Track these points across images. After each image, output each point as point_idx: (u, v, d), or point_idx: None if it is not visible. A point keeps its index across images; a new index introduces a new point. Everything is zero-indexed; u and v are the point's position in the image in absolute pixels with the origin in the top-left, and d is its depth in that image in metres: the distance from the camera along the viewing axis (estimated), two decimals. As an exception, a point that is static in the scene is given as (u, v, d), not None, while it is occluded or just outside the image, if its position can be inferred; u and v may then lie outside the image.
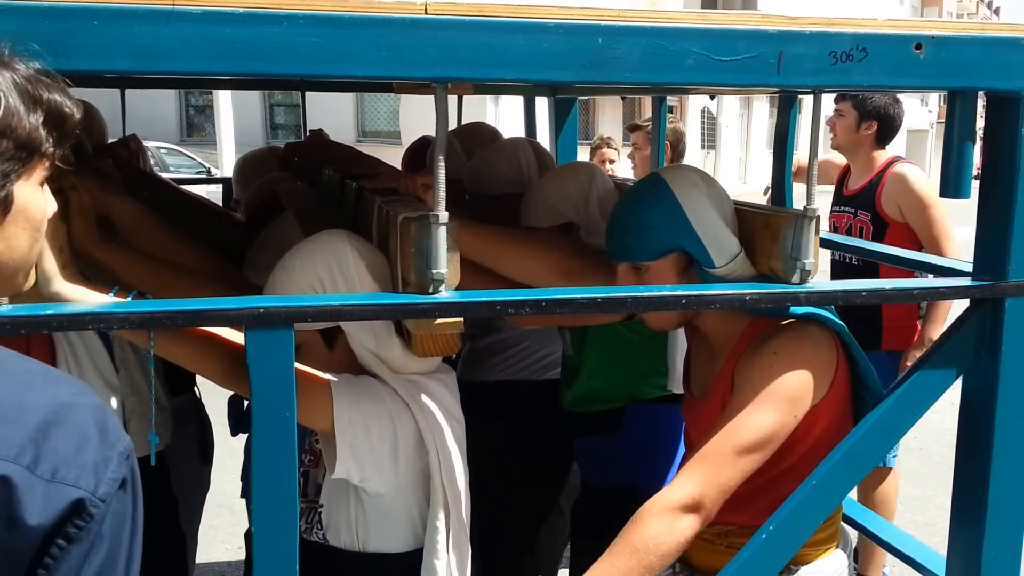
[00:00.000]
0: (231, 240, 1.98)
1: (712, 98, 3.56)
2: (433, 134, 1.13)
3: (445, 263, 1.13)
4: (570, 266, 1.59)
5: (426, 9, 1.03)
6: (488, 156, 2.14)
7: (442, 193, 1.12)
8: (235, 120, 11.69)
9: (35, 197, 0.82)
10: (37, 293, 1.13)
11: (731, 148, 23.91)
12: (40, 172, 0.82)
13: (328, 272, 1.35)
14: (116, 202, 1.56)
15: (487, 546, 2.11)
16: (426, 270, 1.13)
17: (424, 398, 1.37)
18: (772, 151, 2.14)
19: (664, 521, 1.26)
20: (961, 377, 1.40)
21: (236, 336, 1.23)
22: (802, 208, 1.26)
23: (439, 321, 1.18)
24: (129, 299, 1.18)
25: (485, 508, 2.07)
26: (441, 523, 1.37)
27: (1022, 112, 1.24)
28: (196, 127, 18.93)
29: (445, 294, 1.13)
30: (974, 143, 1.31)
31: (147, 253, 1.51)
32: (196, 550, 2.33)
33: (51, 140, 0.80)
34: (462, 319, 1.19)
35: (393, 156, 2.79)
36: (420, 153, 2.62)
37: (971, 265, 1.40)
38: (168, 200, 2.15)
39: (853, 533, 1.84)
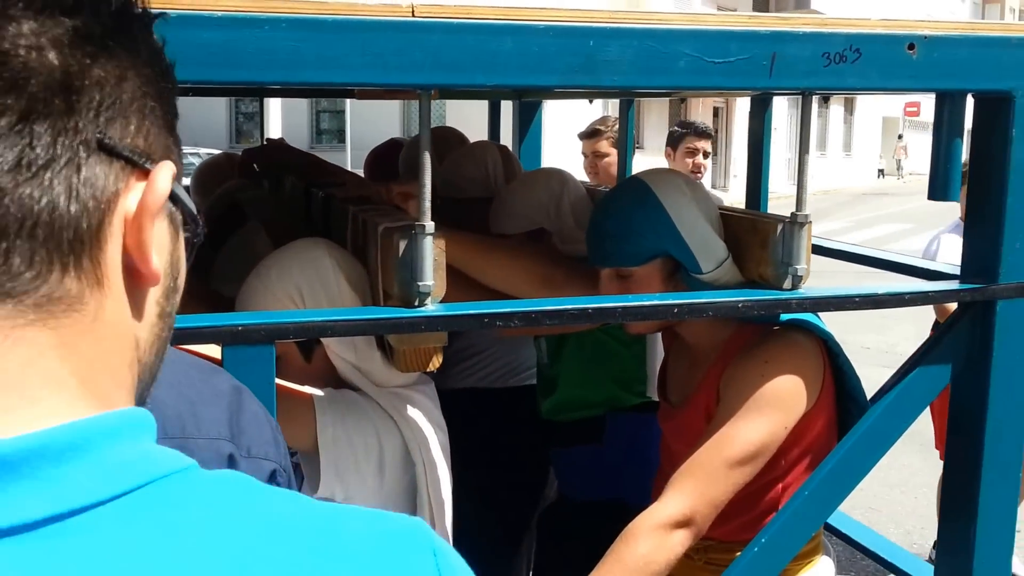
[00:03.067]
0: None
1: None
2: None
3: (432, 275, 1.09)
4: (550, 274, 1.55)
5: (413, 12, 0.99)
6: (456, 160, 2.11)
7: (427, 203, 1.08)
8: (283, 126, 11.95)
9: None
10: None
11: (780, 150, 24.18)
12: None
13: (308, 283, 1.30)
14: None
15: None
16: (411, 282, 1.09)
17: (409, 410, 1.33)
18: (747, 154, 2.13)
19: (655, 538, 1.23)
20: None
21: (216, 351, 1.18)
22: (791, 214, 1.24)
23: (424, 335, 1.14)
24: None
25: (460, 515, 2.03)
26: None
27: (1013, 113, 1.23)
28: (245, 133, 19.34)
29: (431, 307, 1.09)
30: (963, 144, 1.30)
31: None
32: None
33: None
34: (446, 333, 1.15)
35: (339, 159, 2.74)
36: (385, 158, 2.56)
37: (959, 269, 1.39)
38: None
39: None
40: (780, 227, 1.26)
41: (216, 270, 1.70)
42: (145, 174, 0.44)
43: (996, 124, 1.25)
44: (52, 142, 0.40)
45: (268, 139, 2.75)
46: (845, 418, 1.46)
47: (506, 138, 2.67)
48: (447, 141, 2.40)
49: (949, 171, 1.29)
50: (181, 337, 1.04)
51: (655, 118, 20.31)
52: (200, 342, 1.11)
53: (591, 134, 3.44)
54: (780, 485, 1.41)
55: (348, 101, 12.17)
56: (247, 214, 1.85)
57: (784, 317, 1.40)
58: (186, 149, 2.44)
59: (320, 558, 0.41)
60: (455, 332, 2.16)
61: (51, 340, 0.40)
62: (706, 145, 3.71)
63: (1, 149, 0.38)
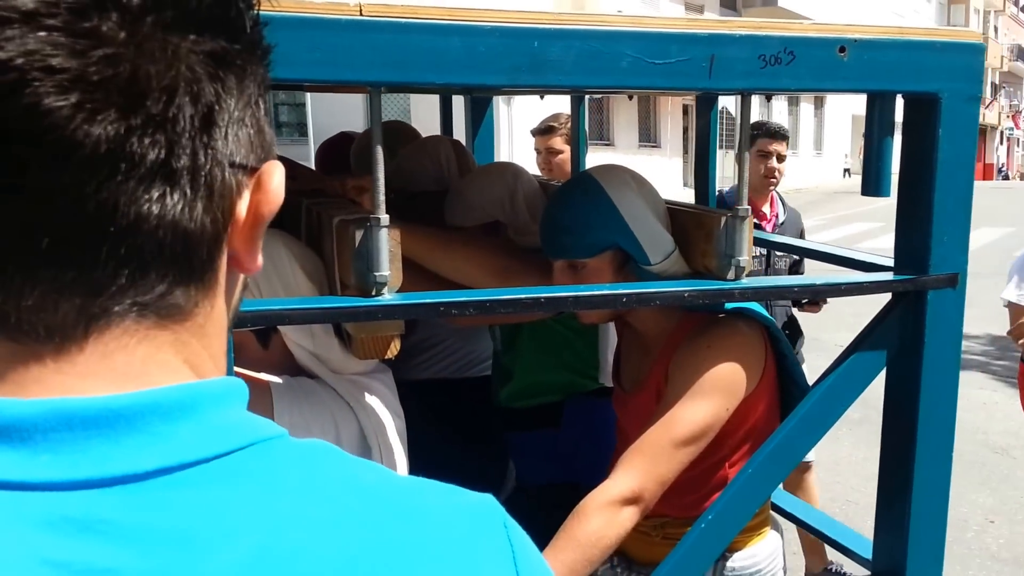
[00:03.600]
0: None
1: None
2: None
3: (388, 265, 1.12)
4: (505, 265, 1.60)
5: (360, 11, 1.02)
6: (410, 154, 2.13)
7: (382, 196, 1.11)
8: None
9: None
10: None
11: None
12: None
13: (264, 274, 1.33)
14: None
15: None
16: (367, 273, 1.12)
17: (365, 397, 1.36)
18: (695, 152, 2.17)
19: (605, 515, 1.29)
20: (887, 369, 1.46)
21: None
22: (732, 208, 1.29)
23: (381, 323, 1.17)
24: None
25: None
26: None
27: (939, 113, 1.30)
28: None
29: (388, 296, 1.13)
30: (893, 142, 1.36)
31: None
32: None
33: None
34: (403, 321, 1.19)
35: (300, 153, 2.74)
36: (336, 150, 2.56)
37: (892, 261, 1.45)
38: None
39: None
40: (723, 221, 1.32)
41: None
42: (254, 173, 0.47)
43: (924, 124, 1.32)
44: (192, 163, 0.42)
45: None
46: (787, 400, 1.53)
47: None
48: (400, 135, 2.41)
49: (880, 168, 1.35)
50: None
51: (624, 116, 20.36)
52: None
53: (544, 131, 3.42)
54: (727, 464, 1.48)
55: (308, 95, 12.04)
56: None
57: (728, 306, 1.45)
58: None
59: (403, 524, 0.44)
60: (412, 324, 2.20)
61: (169, 338, 0.44)
62: (780, 147, 3.49)
63: (148, 169, 0.40)
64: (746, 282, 1.30)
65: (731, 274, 1.31)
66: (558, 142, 3.35)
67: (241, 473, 0.42)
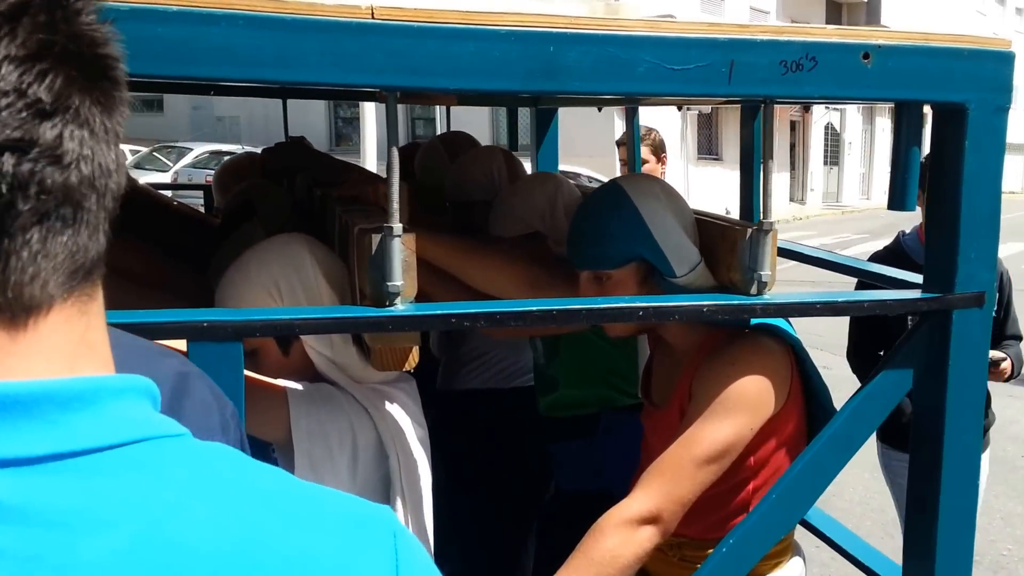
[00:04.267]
0: (207, 247, 1.93)
1: (679, 108, 3.50)
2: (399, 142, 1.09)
3: (401, 276, 1.09)
4: (536, 277, 1.59)
5: (372, 14, 0.99)
6: (462, 165, 2.19)
7: (396, 205, 1.08)
8: (378, 130, 12.11)
9: None
10: None
11: (853, 164, 24.40)
12: None
13: (285, 277, 1.31)
14: None
15: (457, 549, 2.12)
16: (381, 282, 1.09)
17: (385, 405, 1.34)
18: (740, 163, 2.14)
19: (622, 534, 1.24)
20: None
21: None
22: (757, 221, 1.26)
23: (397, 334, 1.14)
24: None
25: (456, 512, 2.08)
26: None
27: (966, 124, 1.26)
28: (344, 137, 20.22)
29: (400, 307, 1.09)
30: (920, 154, 1.32)
31: None
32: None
33: None
34: (419, 333, 1.15)
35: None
36: (405, 160, 2.65)
37: (922, 278, 1.41)
38: (139, 207, 2.11)
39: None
40: (748, 233, 1.28)
41: (214, 265, 1.71)
42: None
43: (951, 135, 1.28)
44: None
45: (290, 137, 2.79)
46: (812, 422, 1.48)
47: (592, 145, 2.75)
48: (458, 145, 2.50)
49: (907, 181, 1.31)
50: (148, 332, 1.03)
51: (733, 131, 20.43)
52: (166, 337, 1.10)
53: (624, 143, 3.53)
54: (750, 486, 1.43)
55: (438, 108, 12.05)
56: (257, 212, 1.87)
57: (754, 321, 1.41)
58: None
59: (286, 526, 0.45)
60: (461, 336, 2.24)
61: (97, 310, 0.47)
62: None
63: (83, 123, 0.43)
64: (768, 297, 1.26)
65: (753, 288, 1.26)
66: (644, 152, 3.46)
67: (130, 464, 0.43)
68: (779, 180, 21.72)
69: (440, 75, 1.03)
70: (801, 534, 1.68)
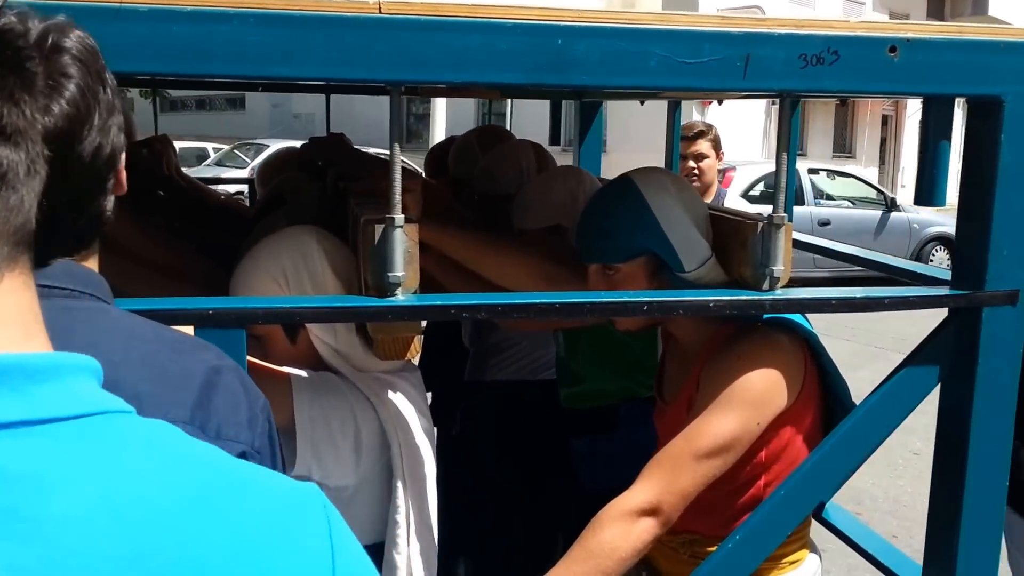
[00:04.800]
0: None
1: (720, 103, 3.40)
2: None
3: (402, 266, 1.11)
4: (552, 271, 1.59)
5: (379, 8, 1.01)
6: (493, 157, 2.21)
7: (398, 196, 1.10)
8: (447, 128, 12.32)
9: None
10: None
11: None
12: None
13: (293, 266, 1.35)
14: None
15: (479, 541, 2.17)
16: (382, 272, 1.12)
17: (388, 393, 1.37)
18: (775, 156, 2.08)
19: (620, 526, 1.25)
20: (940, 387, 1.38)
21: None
22: (768, 215, 1.24)
23: (399, 324, 1.16)
24: None
25: (478, 504, 2.13)
26: (402, 517, 1.36)
27: (1001, 118, 1.21)
28: (415, 133, 20.20)
29: (400, 297, 1.12)
30: (950, 149, 1.27)
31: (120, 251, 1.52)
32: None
33: None
34: (421, 323, 1.18)
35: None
36: (441, 154, 2.72)
37: (950, 274, 1.37)
38: (188, 201, 2.24)
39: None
40: (759, 228, 1.26)
41: (241, 256, 1.77)
42: None
43: (985, 129, 1.23)
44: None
45: (330, 134, 2.84)
46: (830, 418, 1.45)
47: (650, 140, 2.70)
48: (494, 137, 2.51)
49: (936, 176, 1.27)
50: (156, 318, 1.08)
51: (820, 125, 19.82)
52: (173, 323, 1.16)
53: (693, 136, 3.48)
54: (762, 481, 1.41)
55: (509, 101, 12.03)
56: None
57: (767, 316, 1.39)
58: (360, 148, 2.65)
59: (235, 490, 0.50)
60: (489, 328, 2.28)
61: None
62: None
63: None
64: (778, 293, 1.24)
65: (765, 284, 1.25)
66: (705, 147, 3.44)
67: (93, 432, 0.48)
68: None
69: (446, 68, 1.04)
70: (817, 530, 1.66)
